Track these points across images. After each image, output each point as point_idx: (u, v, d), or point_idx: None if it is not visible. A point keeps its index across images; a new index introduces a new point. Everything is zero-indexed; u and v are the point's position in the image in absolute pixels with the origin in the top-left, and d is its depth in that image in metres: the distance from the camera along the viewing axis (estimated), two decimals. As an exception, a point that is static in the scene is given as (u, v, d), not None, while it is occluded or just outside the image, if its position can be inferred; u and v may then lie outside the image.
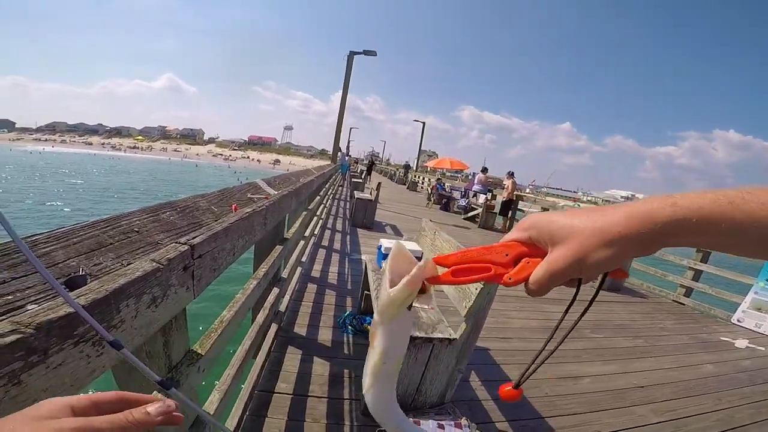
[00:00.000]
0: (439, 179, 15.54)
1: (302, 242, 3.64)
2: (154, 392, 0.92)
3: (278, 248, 2.21)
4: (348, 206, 9.59)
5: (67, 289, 0.62)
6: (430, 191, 14.74)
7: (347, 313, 2.95)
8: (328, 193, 8.72)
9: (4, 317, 0.54)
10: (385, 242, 2.70)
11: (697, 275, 5.53)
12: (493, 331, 3.25)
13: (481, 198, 11.00)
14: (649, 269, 5.96)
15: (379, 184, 8.50)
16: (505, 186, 9.98)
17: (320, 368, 2.27)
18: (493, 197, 10.85)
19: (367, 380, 0.47)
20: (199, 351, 1.12)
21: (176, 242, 0.83)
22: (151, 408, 0.34)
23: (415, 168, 36.24)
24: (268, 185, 2.34)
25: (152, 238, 0.88)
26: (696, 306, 5.34)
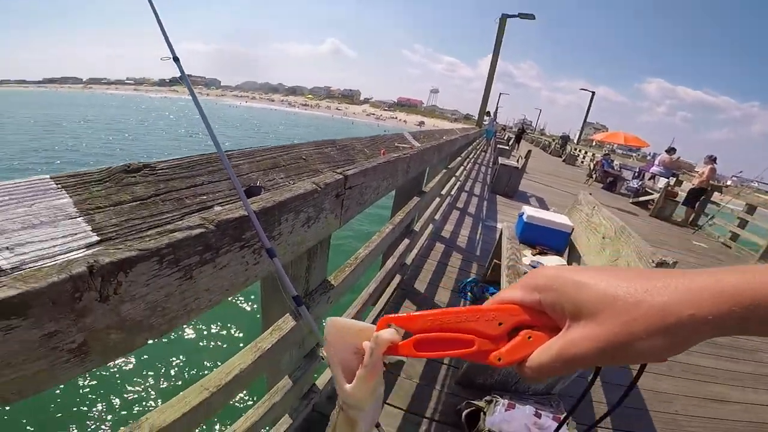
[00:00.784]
0: (606, 155, 13.37)
1: (438, 199, 3.65)
2: (287, 316, 1.06)
3: (415, 199, 2.26)
4: (490, 172, 9.16)
5: (246, 197, 0.73)
6: (592, 167, 12.89)
7: (470, 279, 2.89)
8: (470, 156, 8.46)
9: (195, 213, 0.67)
10: (529, 210, 2.47)
11: None
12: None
13: (661, 182, 9.06)
14: None
15: (529, 152, 7.78)
16: (700, 172, 7.90)
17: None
18: (678, 183, 8.80)
19: None
20: (333, 282, 1.24)
21: (333, 171, 0.90)
22: None
23: (576, 140, 31.91)
24: (414, 138, 2.37)
25: (315, 166, 0.98)
26: None
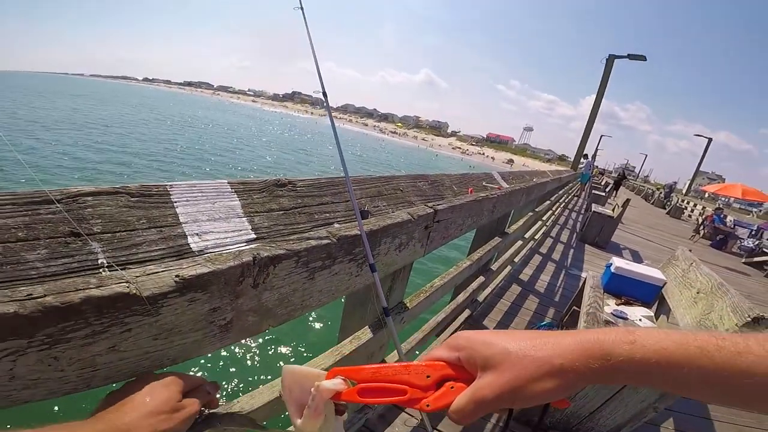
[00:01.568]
0: (719, 208, 11.69)
1: (520, 242, 3.56)
2: (365, 328, 1.18)
3: (496, 239, 2.28)
4: (581, 219, 8.55)
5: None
6: (700, 221, 11.38)
7: (545, 322, 2.77)
8: (561, 201, 8.02)
9: (322, 227, 0.83)
10: (618, 261, 2.34)
11: None
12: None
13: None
14: None
15: (627, 201, 7.13)
16: None
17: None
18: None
19: None
20: (408, 305, 1.34)
21: (425, 204, 1.02)
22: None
23: (685, 191, 28.18)
24: (502, 178, 2.41)
25: (410, 198, 1.12)
26: None
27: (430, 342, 2.10)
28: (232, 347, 3.30)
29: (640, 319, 1.98)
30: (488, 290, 3.00)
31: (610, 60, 15.72)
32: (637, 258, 6.02)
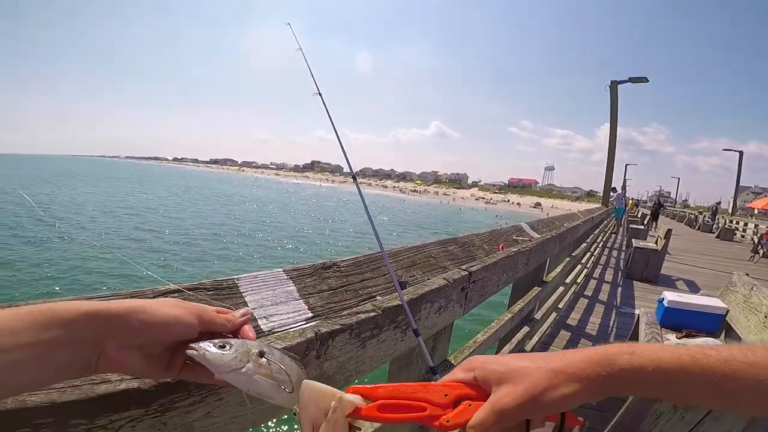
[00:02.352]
0: (774, 225, 10.88)
1: (561, 288, 3.46)
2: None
3: (536, 289, 2.26)
4: (623, 256, 8.16)
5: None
6: (757, 241, 10.54)
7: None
8: (597, 240, 7.76)
9: (367, 301, 0.92)
10: (670, 295, 2.25)
11: None
12: None
13: None
14: None
15: (669, 231, 6.81)
16: None
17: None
18: None
19: None
20: (453, 362, 1.35)
21: (459, 268, 1.10)
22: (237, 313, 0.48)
23: (730, 210, 26.40)
24: (532, 229, 2.45)
25: (443, 263, 1.20)
26: None
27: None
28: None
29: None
30: (535, 339, 2.89)
31: (613, 86, 15.20)
32: (693, 287, 5.63)
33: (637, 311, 2.57)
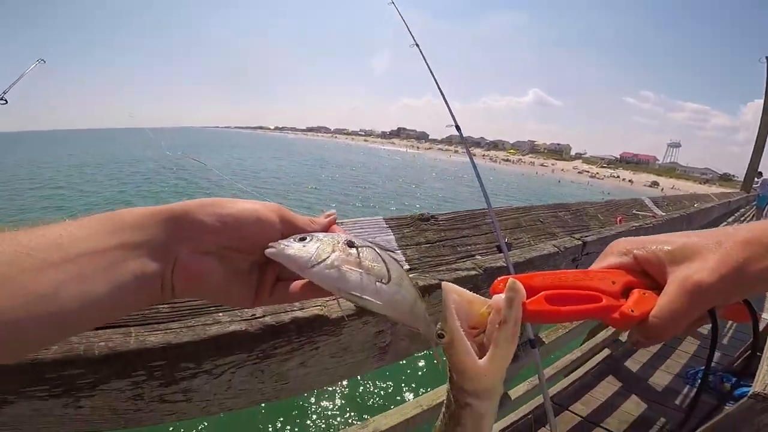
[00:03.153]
0: None
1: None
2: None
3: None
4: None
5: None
6: None
7: (694, 369, 2.37)
8: (731, 229, 6.49)
9: (466, 259, 0.85)
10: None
11: None
12: None
13: None
14: None
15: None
16: None
17: (632, 406, 1.98)
18: None
19: None
20: (545, 339, 1.28)
21: (571, 236, 0.96)
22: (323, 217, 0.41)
23: None
24: (655, 204, 2.10)
25: (551, 229, 1.06)
26: None
27: (557, 380, 2.01)
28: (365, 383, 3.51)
29: None
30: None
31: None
32: None
33: (765, 315, 2.14)
